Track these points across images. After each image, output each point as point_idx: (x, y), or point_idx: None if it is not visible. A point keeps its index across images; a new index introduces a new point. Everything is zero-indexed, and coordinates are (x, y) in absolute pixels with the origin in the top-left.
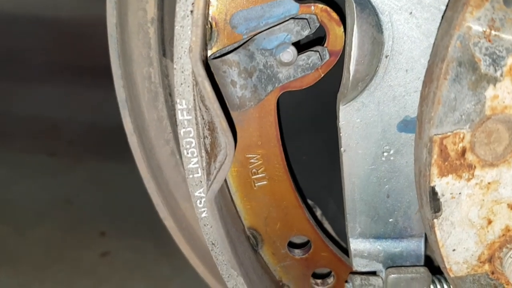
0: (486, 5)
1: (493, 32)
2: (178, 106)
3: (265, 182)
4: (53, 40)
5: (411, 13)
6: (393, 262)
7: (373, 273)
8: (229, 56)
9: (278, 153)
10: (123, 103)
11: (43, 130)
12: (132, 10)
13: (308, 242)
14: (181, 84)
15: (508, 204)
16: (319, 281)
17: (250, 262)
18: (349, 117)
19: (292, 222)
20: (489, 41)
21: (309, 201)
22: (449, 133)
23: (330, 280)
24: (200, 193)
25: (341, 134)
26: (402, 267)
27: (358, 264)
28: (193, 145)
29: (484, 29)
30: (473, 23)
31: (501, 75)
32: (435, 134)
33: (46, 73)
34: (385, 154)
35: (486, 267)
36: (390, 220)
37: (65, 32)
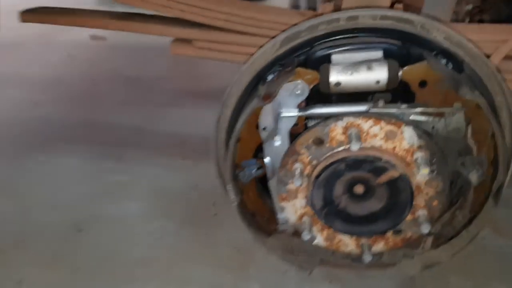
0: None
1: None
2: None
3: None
4: (172, 68)
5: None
6: None
7: None
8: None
9: (256, 198)
10: None
11: (174, 143)
12: None
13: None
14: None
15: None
16: None
17: None
18: None
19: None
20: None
21: None
22: None
23: None
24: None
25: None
26: None
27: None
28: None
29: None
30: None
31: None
32: None
33: (173, 98)
34: None
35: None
36: None
37: (179, 59)
